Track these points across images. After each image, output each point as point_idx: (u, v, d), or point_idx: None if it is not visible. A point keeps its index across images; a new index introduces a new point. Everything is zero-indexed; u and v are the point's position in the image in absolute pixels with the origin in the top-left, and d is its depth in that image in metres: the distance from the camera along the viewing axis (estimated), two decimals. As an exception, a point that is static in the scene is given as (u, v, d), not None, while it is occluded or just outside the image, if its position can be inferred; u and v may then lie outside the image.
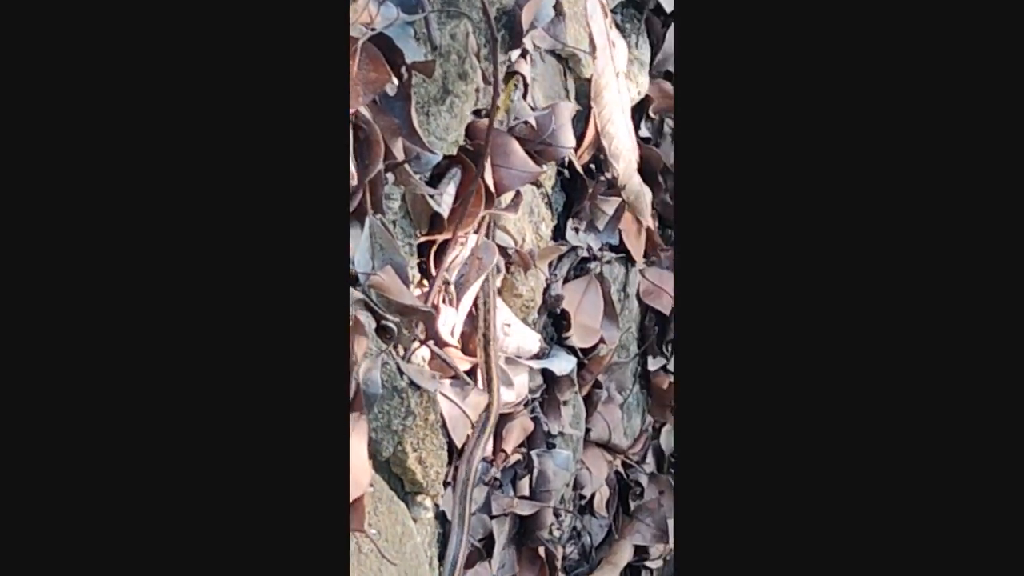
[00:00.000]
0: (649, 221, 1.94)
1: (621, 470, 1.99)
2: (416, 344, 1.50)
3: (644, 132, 2.01)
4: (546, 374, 1.79)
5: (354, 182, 1.34)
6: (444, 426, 1.54)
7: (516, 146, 1.60)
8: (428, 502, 1.54)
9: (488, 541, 1.70)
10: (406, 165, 1.44)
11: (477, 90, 1.54)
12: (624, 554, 1.93)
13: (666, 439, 2.08)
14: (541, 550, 1.78)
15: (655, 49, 2.02)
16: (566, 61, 1.78)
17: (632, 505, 1.99)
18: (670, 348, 2.07)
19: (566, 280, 1.85)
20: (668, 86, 2.03)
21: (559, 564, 1.82)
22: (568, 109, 1.72)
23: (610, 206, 1.89)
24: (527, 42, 1.65)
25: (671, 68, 2.04)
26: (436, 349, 1.54)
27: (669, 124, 2.05)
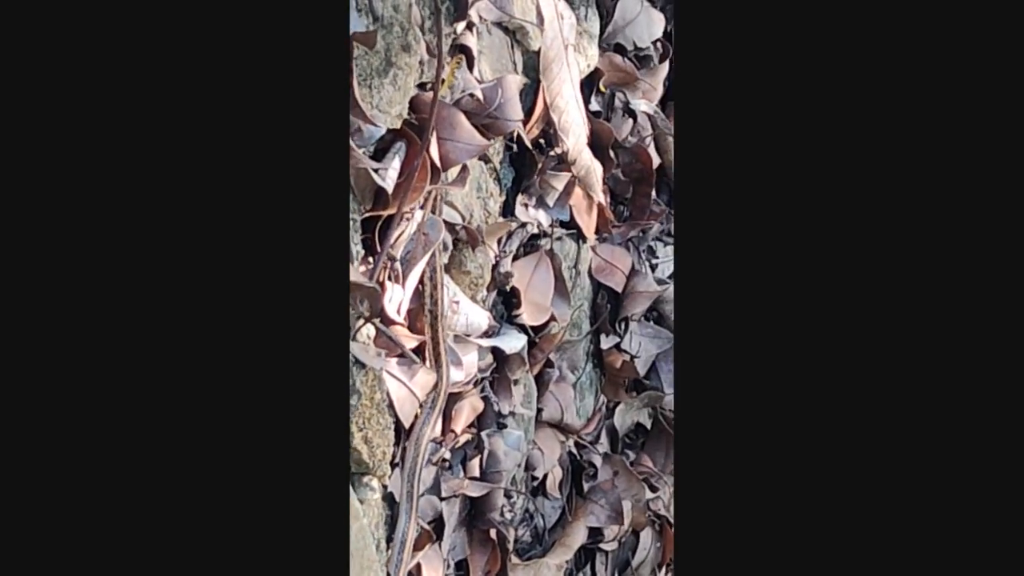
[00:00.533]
0: (600, 197, 1.94)
1: (574, 450, 1.99)
2: (361, 321, 1.49)
3: (594, 106, 2.01)
4: (496, 352, 1.79)
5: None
6: (391, 405, 1.54)
7: (463, 119, 1.60)
8: (375, 483, 1.54)
9: (438, 523, 1.70)
10: (349, 139, 1.43)
11: (421, 63, 1.54)
12: (578, 536, 1.94)
13: (620, 418, 2.09)
14: (493, 532, 1.79)
15: (605, 21, 2.02)
16: (513, 33, 1.78)
17: (586, 486, 1.99)
18: (623, 326, 2.07)
19: (516, 257, 1.85)
20: (618, 59, 2.03)
21: (511, 546, 1.82)
22: (516, 82, 1.72)
23: (560, 181, 1.89)
24: (473, 14, 1.65)
25: (621, 41, 2.04)
26: (382, 327, 1.53)
27: (620, 97, 2.05)
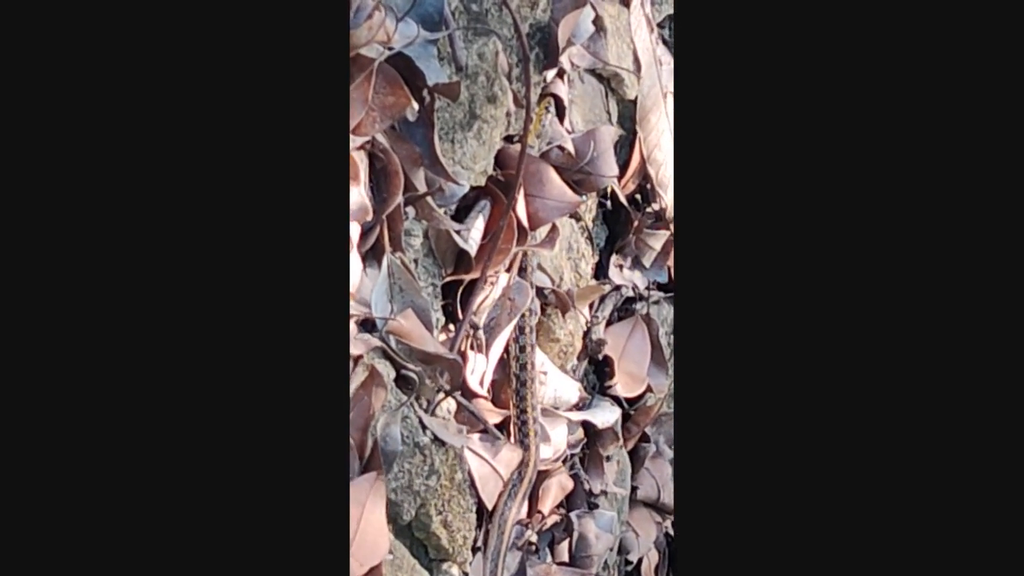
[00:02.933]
0: None
1: (672, 532, 1.97)
2: (441, 395, 1.49)
3: None
4: (587, 427, 1.78)
5: (370, 217, 1.34)
6: (473, 485, 1.53)
7: (552, 175, 1.60)
8: (455, 570, 1.53)
9: None
10: (429, 198, 1.43)
11: (508, 114, 1.54)
12: None
13: None
14: None
15: None
16: (608, 81, 1.78)
17: None
18: None
19: (609, 323, 1.84)
20: None
21: None
22: (610, 133, 1.72)
23: (658, 240, 1.88)
24: (564, 60, 1.64)
25: None
26: (463, 400, 1.53)
27: None
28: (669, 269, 1.91)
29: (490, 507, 1.57)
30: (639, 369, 1.84)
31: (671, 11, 1.93)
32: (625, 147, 1.81)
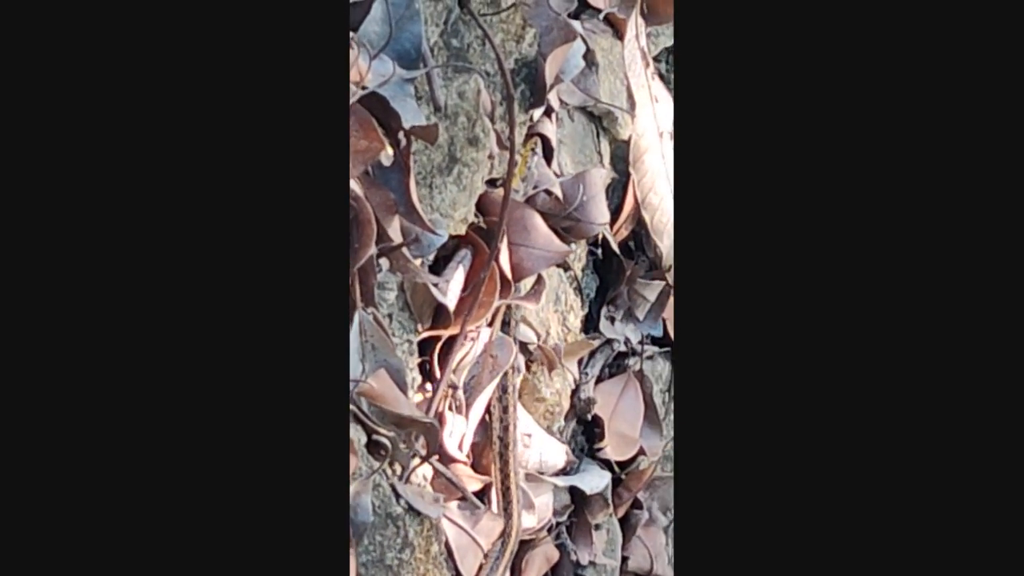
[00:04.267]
0: None
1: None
2: (416, 461, 1.49)
3: None
4: (574, 493, 1.78)
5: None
6: (450, 558, 1.53)
7: (538, 221, 1.60)
8: (431, 652, 1.51)
9: None
10: (404, 248, 1.42)
11: (491, 157, 1.54)
12: None
13: None
14: None
15: None
16: (599, 120, 1.77)
17: None
18: None
19: (599, 380, 1.84)
20: None
21: None
22: (601, 176, 1.72)
23: (652, 291, 1.88)
24: (552, 98, 1.64)
25: None
26: (440, 466, 1.53)
27: None
28: (665, 322, 1.90)
29: None
30: (631, 430, 1.84)
31: (669, 44, 1.93)
32: (618, 191, 1.81)
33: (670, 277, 1.85)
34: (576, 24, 1.64)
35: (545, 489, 1.69)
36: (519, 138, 1.57)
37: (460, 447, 1.55)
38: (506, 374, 1.58)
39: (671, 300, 1.90)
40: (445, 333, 1.51)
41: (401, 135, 1.38)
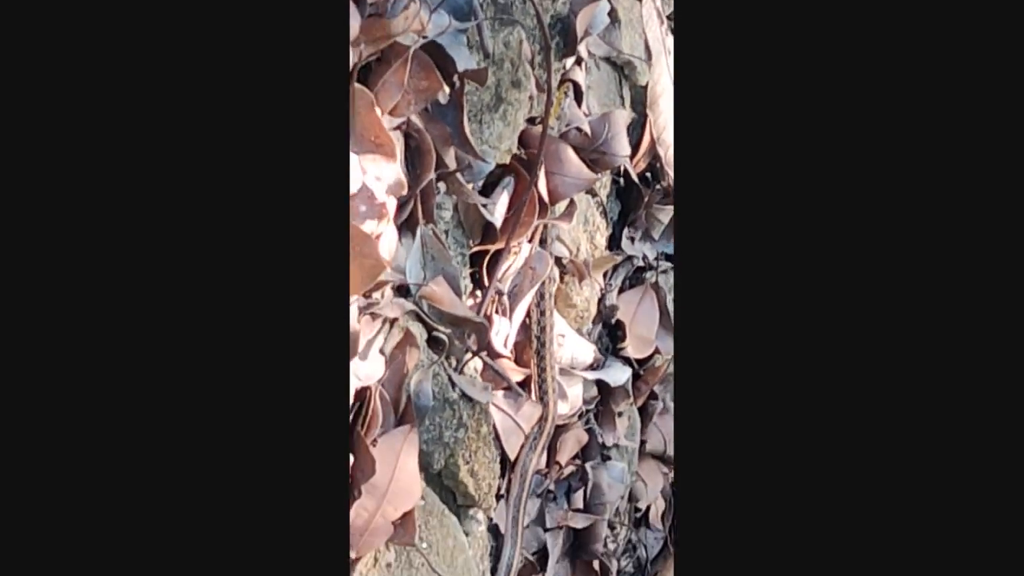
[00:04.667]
0: None
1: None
2: (468, 355, 1.49)
3: None
4: (600, 385, 1.78)
5: (406, 192, 1.33)
6: (497, 438, 1.53)
7: (571, 154, 1.59)
8: (480, 515, 1.53)
9: (542, 554, 1.69)
10: (458, 174, 1.42)
11: (531, 98, 1.53)
12: None
13: None
14: (596, 563, 1.78)
15: None
16: (621, 68, 1.77)
17: None
18: None
19: (621, 290, 1.84)
20: None
21: None
22: (623, 117, 1.71)
23: (666, 215, 1.88)
24: (582, 49, 1.63)
25: None
26: (489, 360, 1.53)
27: None
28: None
29: (512, 458, 1.57)
30: (648, 332, 1.84)
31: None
32: (637, 129, 1.80)
33: None
34: None
35: (576, 382, 1.69)
36: (555, 82, 1.56)
37: (505, 344, 1.55)
38: (543, 284, 1.58)
39: None
40: (492, 247, 1.51)
41: (455, 78, 1.38)
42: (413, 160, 1.35)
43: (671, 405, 1.94)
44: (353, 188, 1.26)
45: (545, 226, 1.60)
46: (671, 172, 1.83)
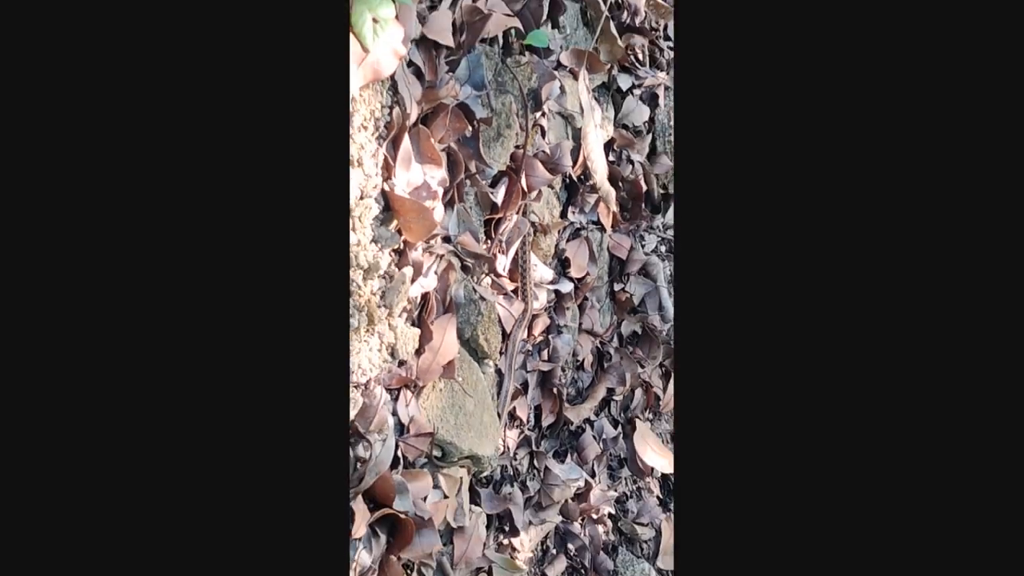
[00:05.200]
0: (614, 208, 1.92)
1: (599, 346, 1.97)
2: (483, 275, 1.49)
3: (611, 158, 1.98)
4: (557, 292, 1.77)
5: (448, 185, 1.33)
6: (499, 321, 1.53)
7: (539, 165, 1.58)
8: (490, 363, 1.54)
9: (524, 385, 1.70)
10: (476, 175, 1.42)
11: (516, 134, 1.52)
12: (601, 392, 1.92)
13: (624, 328, 2.05)
14: (554, 390, 1.78)
15: (617, 110, 1.98)
16: (566, 118, 1.75)
17: (605, 364, 1.97)
18: (626, 278, 2.04)
19: (568, 240, 1.82)
20: (624, 131, 1.99)
21: (565, 397, 1.82)
22: (568, 145, 1.70)
23: (592, 199, 1.86)
24: (545, 107, 1.62)
25: (626, 122, 2.00)
26: (494, 278, 1.53)
27: (624, 153, 2.01)
28: (598, 214, 1.88)
29: (508, 332, 1.57)
30: (583, 263, 1.83)
31: (600, 82, 1.90)
32: (576, 151, 1.78)
33: (600, 193, 1.84)
34: (556, 72, 1.62)
35: (543, 291, 1.69)
36: (530, 125, 1.56)
37: (503, 269, 1.55)
38: (524, 236, 1.57)
39: (601, 205, 1.89)
40: (496, 216, 1.50)
41: (475, 122, 1.38)
42: (451, 167, 1.35)
43: (595, 304, 1.93)
44: (419, 182, 1.26)
45: (525, 204, 1.59)
46: (596, 176, 1.82)
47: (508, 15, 1.44)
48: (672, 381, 2.09)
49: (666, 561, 1.98)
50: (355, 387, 1.21)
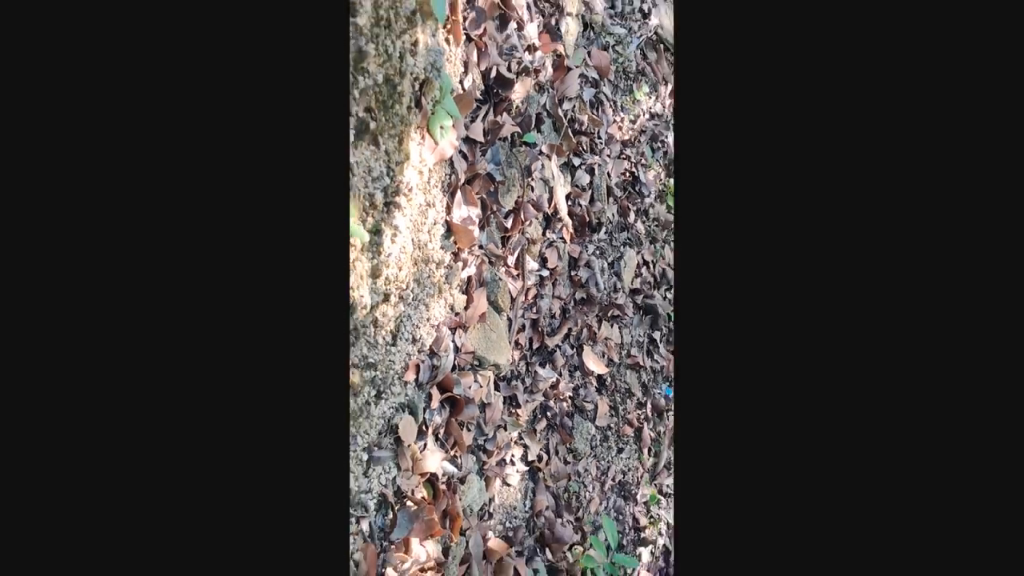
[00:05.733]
0: (571, 229, 1.83)
1: (563, 304, 1.89)
2: (500, 267, 1.44)
3: (569, 202, 1.91)
4: (540, 276, 1.69)
5: (482, 217, 1.30)
6: (509, 291, 1.47)
7: (531, 207, 1.53)
8: (504, 314, 1.48)
9: (523, 327, 1.63)
10: (496, 212, 1.38)
11: (518, 190, 1.48)
12: (564, 330, 1.83)
13: (577, 295, 1.97)
14: (540, 329, 1.71)
15: (572, 176, 1.93)
16: (545, 181, 1.70)
17: (567, 315, 1.90)
18: (578, 269, 1.96)
19: (546, 247, 1.74)
20: (576, 188, 1.92)
21: (545, 332, 1.74)
22: (546, 196, 1.64)
23: (559, 224, 1.77)
24: (533, 175, 1.57)
25: (576, 183, 1.94)
26: (506, 268, 1.47)
27: (576, 200, 1.95)
28: (562, 233, 1.80)
29: (514, 297, 1.52)
30: (554, 260, 1.75)
31: (564, 160, 1.81)
32: (550, 199, 1.71)
33: (564, 221, 1.73)
34: (539, 156, 1.57)
35: (533, 276, 1.60)
36: (525, 185, 1.52)
37: (511, 263, 1.49)
38: (522, 245, 1.51)
39: (564, 228, 1.80)
40: (507, 234, 1.43)
41: (495, 183, 1.35)
42: (483, 207, 1.33)
43: (562, 281, 1.88)
44: (465, 215, 1.25)
45: (523, 228, 1.53)
46: (561, 212, 1.72)
47: (513, 125, 1.43)
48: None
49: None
50: (432, 327, 1.21)
